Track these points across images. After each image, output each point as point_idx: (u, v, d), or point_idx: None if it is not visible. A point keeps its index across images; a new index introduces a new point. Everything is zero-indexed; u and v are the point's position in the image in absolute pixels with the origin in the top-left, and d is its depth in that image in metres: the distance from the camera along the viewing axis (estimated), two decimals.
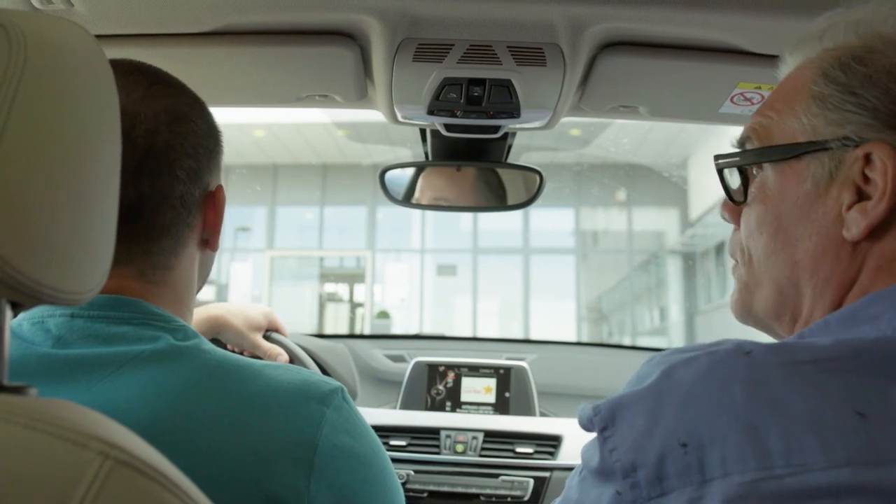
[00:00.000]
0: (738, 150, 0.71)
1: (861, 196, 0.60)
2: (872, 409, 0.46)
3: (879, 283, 0.59)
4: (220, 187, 0.80)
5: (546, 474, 1.52)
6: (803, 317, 0.65)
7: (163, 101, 0.73)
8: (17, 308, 0.48)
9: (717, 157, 0.71)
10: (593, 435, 0.55)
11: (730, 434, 0.47)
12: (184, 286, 0.78)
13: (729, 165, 0.71)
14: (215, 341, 1.25)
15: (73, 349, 0.67)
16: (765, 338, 0.66)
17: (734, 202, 0.71)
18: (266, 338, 1.33)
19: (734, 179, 0.71)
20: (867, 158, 0.59)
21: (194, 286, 0.82)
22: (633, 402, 0.52)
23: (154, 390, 0.63)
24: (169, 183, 0.73)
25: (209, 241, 0.81)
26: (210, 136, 0.78)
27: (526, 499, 1.50)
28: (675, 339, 10.34)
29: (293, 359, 1.35)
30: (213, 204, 0.79)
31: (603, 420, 0.53)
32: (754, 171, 0.68)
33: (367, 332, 10.82)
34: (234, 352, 1.23)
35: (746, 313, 0.71)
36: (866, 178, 0.59)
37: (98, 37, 0.96)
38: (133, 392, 0.63)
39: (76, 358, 0.66)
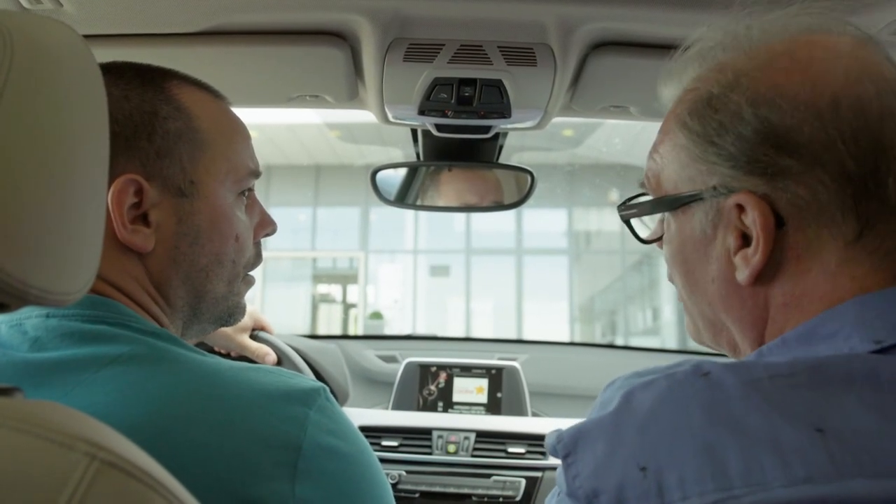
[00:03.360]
0: (638, 198, 0.73)
1: (746, 239, 0.60)
2: (830, 424, 0.46)
3: (792, 319, 0.59)
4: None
5: (538, 474, 1.52)
6: (740, 347, 0.66)
7: None
8: (2, 309, 0.47)
9: (619, 208, 0.73)
10: None
11: (688, 456, 0.47)
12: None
13: (630, 217, 0.73)
14: (201, 344, 1.25)
15: (50, 352, 0.66)
16: None
17: (642, 241, 0.74)
18: (253, 337, 1.33)
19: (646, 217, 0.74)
20: (741, 207, 0.59)
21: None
22: (594, 428, 0.52)
23: (134, 394, 0.63)
24: None
25: None
26: None
27: (518, 499, 1.50)
28: (667, 339, 10.36)
29: (281, 357, 1.35)
30: None
31: (566, 447, 0.53)
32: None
33: (360, 333, 10.80)
34: (221, 354, 1.23)
35: (699, 341, 0.72)
36: (746, 224, 0.59)
37: (87, 37, 0.96)
38: (112, 396, 0.62)
39: (53, 361, 0.65)
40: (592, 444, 0.52)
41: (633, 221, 0.74)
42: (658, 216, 0.71)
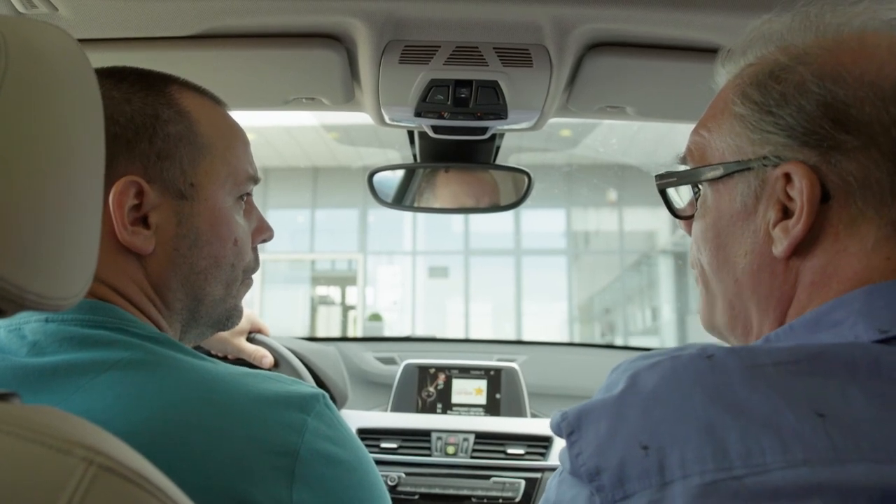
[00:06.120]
0: (678, 168, 0.73)
1: (787, 213, 0.61)
2: (831, 410, 0.47)
3: (817, 298, 0.60)
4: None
5: (537, 475, 1.52)
6: (754, 331, 0.67)
7: None
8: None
9: (657, 178, 0.74)
10: None
11: (690, 436, 0.48)
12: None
13: (667, 186, 0.73)
14: (198, 348, 1.25)
15: (49, 357, 0.66)
16: None
17: (677, 217, 0.74)
18: (250, 340, 1.33)
19: (679, 195, 0.74)
20: (787, 177, 0.60)
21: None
22: (599, 407, 0.53)
23: (132, 400, 0.63)
24: None
25: None
26: None
27: (517, 500, 1.50)
28: (667, 339, 10.36)
29: (279, 360, 1.35)
30: None
31: (570, 425, 0.53)
32: (697, 188, 0.71)
33: (359, 335, 10.79)
34: (218, 357, 1.23)
35: (711, 326, 0.73)
36: (790, 197, 0.60)
37: (82, 41, 0.95)
38: (111, 401, 0.62)
39: (52, 366, 0.65)
40: (596, 423, 0.52)
41: (670, 193, 0.74)
42: (690, 197, 0.72)
